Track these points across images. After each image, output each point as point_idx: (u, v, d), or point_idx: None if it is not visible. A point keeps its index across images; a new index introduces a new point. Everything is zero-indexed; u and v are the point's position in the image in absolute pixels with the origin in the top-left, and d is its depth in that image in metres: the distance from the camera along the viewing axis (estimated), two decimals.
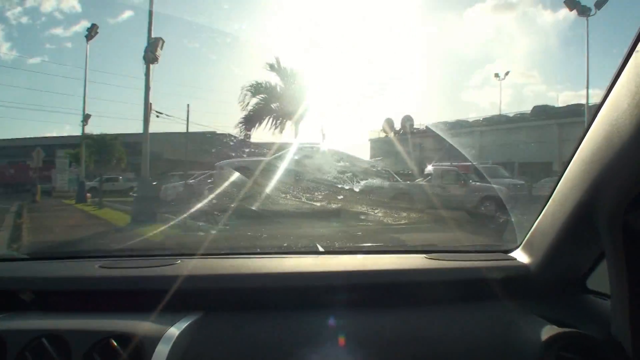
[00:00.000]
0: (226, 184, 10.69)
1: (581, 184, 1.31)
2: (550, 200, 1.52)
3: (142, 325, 1.38)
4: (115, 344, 1.30)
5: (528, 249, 1.71)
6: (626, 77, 1.08)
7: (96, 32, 24.21)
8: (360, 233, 7.83)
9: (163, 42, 14.10)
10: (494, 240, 5.05)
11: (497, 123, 35.69)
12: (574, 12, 22.14)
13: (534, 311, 1.52)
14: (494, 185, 14.35)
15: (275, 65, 17.65)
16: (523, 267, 1.67)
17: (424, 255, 1.83)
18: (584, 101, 28.72)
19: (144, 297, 1.53)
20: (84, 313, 1.47)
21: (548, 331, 1.37)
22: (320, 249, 2.07)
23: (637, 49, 1.05)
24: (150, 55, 13.65)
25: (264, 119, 17.24)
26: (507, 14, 60.83)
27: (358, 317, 1.52)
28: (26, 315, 1.47)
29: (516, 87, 65.24)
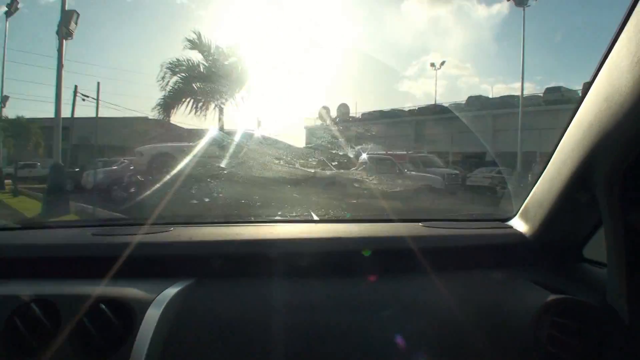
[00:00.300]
0: (143, 170, 10.32)
1: (579, 149, 1.29)
2: (547, 167, 1.51)
3: (132, 290, 1.38)
4: (105, 308, 1.29)
5: (524, 217, 1.71)
6: (626, 36, 1.06)
7: (17, 9, 21.96)
8: None
9: (78, 15, 12.92)
10: None
11: (433, 113, 35.96)
12: (510, 5, 22.55)
13: (529, 278, 1.53)
14: (429, 175, 14.10)
15: (197, 41, 15.50)
16: (519, 235, 1.68)
17: (421, 223, 1.84)
18: (515, 93, 29.42)
19: (136, 263, 1.51)
20: (75, 279, 1.45)
21: (543, 297, 1.38)
22: (315, 218, 2.10)
23: (637, 7, 1.02)
24: (63, 30, 12.41)
25: (183, 101, 15.20)
26: (443, 7, 62.53)
27: (352, 284, 1.52)
28: (16, 282, 1.44)
29: (450, 79, 67.09)
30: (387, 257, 1.62)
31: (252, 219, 2.15)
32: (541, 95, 32.02)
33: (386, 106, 42.42)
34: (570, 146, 1.34)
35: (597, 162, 1.24)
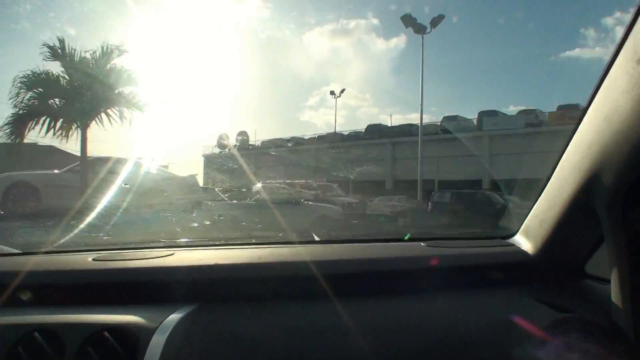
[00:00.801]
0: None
1: (579, 168, 1.30)
2: (547, 184, 1.51)
3: (136, 318, 1.36)
4: (109, 336, 1.29)
5: (526, 235, 1.71)
6: (624, 56, 1.07)
7: None
8: None
9: None
10: None
11: (332, 141, 35.71)
12: (407, 39, 22.85)
13: (533, 296, 1.53)
14: (328, 205, 13.62)
15: (58, 49, 12.71)
16: (521, 252, 1.67)
17: (423, 243, 1.83)
18: (413, 122, 29.85)
19: (138, 289, 1.52)
20: (77, 306, 1.44)
21: (548, 316, 1.40)
22: (316, 239, 2.11)
23: (634, 27, 1.03)
24: None
25: (37, 120, 12.39)
26: (343, 40, 63.64)
27: (357, 306, 1.49)
28: (18, 310, 1.44)
29: (350, 109, 68.39)
30: (392, 278, 1.61)
31: (253, 240, 2.20)
32: (438, 123, 32.83)
33: (288, 134, 41.63)
34: (570, 165, 1.35)
35: (598, 181, 1.23)
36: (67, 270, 1.63)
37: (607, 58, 1.12)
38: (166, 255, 1.67)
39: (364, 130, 36.22)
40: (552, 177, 1.46)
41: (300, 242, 2.00)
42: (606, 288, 1.37)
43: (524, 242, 1.69)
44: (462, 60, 55.35)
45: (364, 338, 1.40)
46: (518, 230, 1.75)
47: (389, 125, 35.88)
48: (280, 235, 2.61)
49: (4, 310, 1.42)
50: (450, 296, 1.54)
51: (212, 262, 1.63)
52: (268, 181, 14.30)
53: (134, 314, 1.36)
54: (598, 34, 53.08)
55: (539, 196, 1.56)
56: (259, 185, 14.13)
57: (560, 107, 28.66)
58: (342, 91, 38.26)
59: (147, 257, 1.67)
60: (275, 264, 1.63)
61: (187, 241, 2.13)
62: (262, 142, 38.69)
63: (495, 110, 31.61)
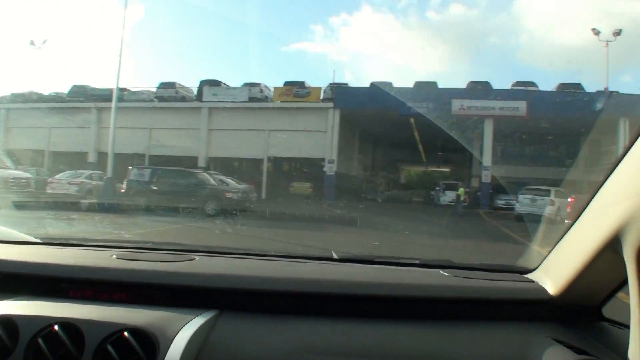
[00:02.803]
0: None
1: (613, 207, 1.28)
2: (575, 225, 1.50)
3: (157, 321, 1.38)
4: (130, 337, 1.30)
5: (548, 273, 1.68)
6: None
7: None
8: None
9: None
10: None
11: (28, 101, 29.52)
12: None
13: (550, 335, 1.51)
14: None
15: None
16: (542, 290, 1.64)
17: (442, 270, 1.83)
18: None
19: (160, 291, 1.55)
20: (97, 303, 1.48)
21: (565, 357, 1.39)
22: (335, 256, 2.12)
23: None
24: None
25: None
26: None
27: (374, 330, 1.51)
28: (39, 301, 1.46)
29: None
30: (409, 304, 1.62)
31: (273, 252, 2.18)
32: (154, 90, 29.75)
33: None
34: (602, 205, 1.36)
35: (629, 226, 1.20)
36: (90, 267, 1.63)
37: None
38: (188, 260, 1.72)
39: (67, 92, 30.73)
40: (583, 215, 1.46)
41: (319, 259, 2.07)
42: (624, 333, 1.41)
43: (545, 279, 1.67)
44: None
45: None
46: (538, 266, 1.77)
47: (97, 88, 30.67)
48: (299, 249, 2.86)
49: (23, 300, 1.45)
50: (468, 327, 1.55)
51: (234, 271, 1.70)
52: None
53: (155, 317, 1.39)
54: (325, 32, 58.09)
55: (564, 235, 1.57)
56: None
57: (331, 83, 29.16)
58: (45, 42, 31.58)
59: (169, 260, 1.70)
60: (295, 280, 1.65)
61: (208, 247, 2.20)
62: None
63: (217, 80, 29.67)
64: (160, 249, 2.00)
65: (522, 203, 18.44)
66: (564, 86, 25.52)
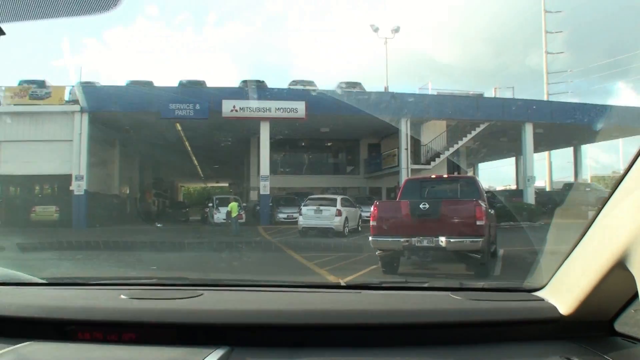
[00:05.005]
0: None
1: (621, 223, 1.27)
2: (583, 239, 1.48)
3: None
4: None
5: (557, 290, 1.68)
6: None
7: None
8: None
9: None
10: None
11: None
12: None
13: (562, 354, 1.48)
14: None
15: None
16: (552, 308, 1.63)
17: (450, 292, 1.82)
18: None
19: (169, 329, 1.53)
20: (107, 344, 1.47)
21: None
22: (342, 284, 2.20)
23: None
24: None
25: None
26: None
27: (385, 358, 1.48)
28: (47, 344, 1.44)
29: None
30: (419, 329, 1.61)
31: (280, 282, 2.19)
32: None
33: None
34: (610, 220, 1.33)
35: (637, 239, 1.20)
36: (98, 307, 1.62)
37: None
38: (196, 296, 1.70)
39: None
40: (590, 231, 1.44)
41: (326, 287, 2.12)
42: (635, 347, 1.43)
43: (555, 297, 1.66)
44: None
45: None
46: (546, 283, 1.75)
47: None
48: (307, 278, 3.03)
49: (31, 344, 1.40)
50: (482, 351, 1.53)
51: (243, 306, 1.67)
52: None
53: (166, 356, 1.37)
54: None
55: (571, 252, 1.55)
56: None
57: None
58: None
59: (177, 297, 1.69)
60: (305, 311, 1.64)
61: (215, 280, 2.20)
62: None
63: None
64: (167, 284, 2.05)
65: (306, 215, 16.27)
66: (344, 85, 24.43)
